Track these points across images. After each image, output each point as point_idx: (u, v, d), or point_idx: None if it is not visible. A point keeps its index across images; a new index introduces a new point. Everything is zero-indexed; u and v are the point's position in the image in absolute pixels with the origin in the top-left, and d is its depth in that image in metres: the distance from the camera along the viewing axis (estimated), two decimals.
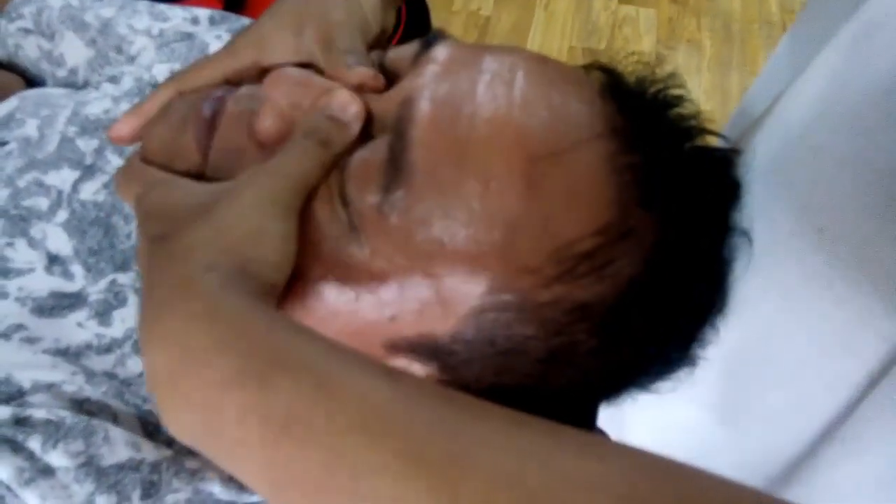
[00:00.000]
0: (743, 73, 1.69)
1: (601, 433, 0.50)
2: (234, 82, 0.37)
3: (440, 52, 0.33)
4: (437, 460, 0.20)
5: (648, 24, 1.77)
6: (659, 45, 1.72)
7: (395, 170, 0.30)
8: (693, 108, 0.35)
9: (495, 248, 0.30)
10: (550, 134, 0.31)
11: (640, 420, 0.38)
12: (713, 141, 0.36)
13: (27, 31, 0.56)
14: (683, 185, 0.32)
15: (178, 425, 0.25)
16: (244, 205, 0.29)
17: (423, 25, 1.53)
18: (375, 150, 0.31)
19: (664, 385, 0.36)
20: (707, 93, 1.63)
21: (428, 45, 0.34)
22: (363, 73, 0.34)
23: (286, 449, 0.22)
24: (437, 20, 1.58)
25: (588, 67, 0.36)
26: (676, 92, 0.34)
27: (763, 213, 0.36)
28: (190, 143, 0.34)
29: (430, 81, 0.32)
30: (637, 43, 1.71)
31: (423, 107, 0.31)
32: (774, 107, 0.40)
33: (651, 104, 0.34)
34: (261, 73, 0.37)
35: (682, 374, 0.36)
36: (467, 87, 0.31)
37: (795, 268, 0.35)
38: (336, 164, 0.32)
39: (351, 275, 0.31)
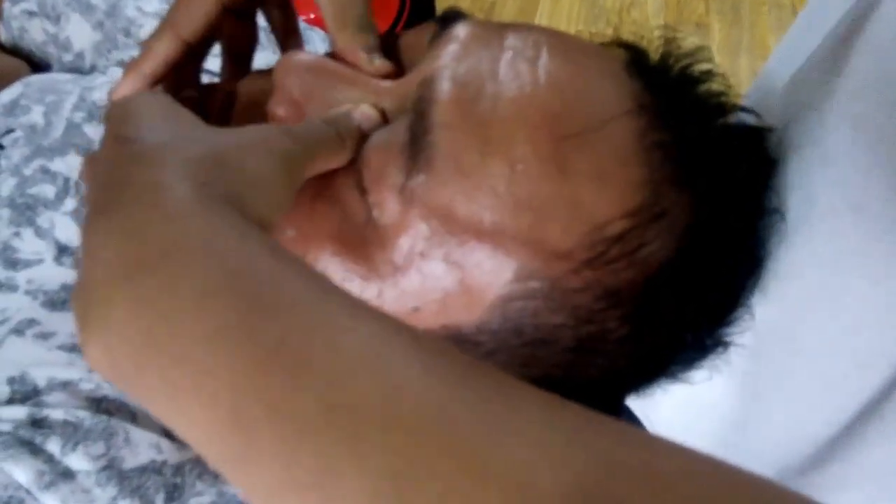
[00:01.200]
0: (752, 56, 1.67)
1: (629, 413, 0.49)
2: (232, 7, 0.33)
3: (460, 30, 0.32)
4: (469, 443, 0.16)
5: (656, 6, 1.74)
6: (667, 28, 1.70)
7: (415, 153, 0.29)
8: (723, 83, 0.33)
9: (522, 233, 0.29)
10: (577, 112, 0.29)
11: (667, 397, 0.37)
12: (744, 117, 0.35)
13: (32, 14, 0.54)
14: (716, 163, 0.31)
15: (106, 335, 0.19)
16: (246, 143, 0.25)
17: (428, 10, 1.51)
18: (394, 133, 0.30)
19: (696, 375, 0.34)
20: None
21: (446, 24, 0.33)
22: (381, 67, 0.32)
23: (269, 379, 0.17)
24: (441, 4, 1.56)
25: (610, 44, 0.34)
26: (704, 67, 0.33)
27: (798, 188, 0.35)
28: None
29: (450, 61, 0.30)
30: (645, 26, 1.69)
31: (444, 86, 0.29)
32: (805, 79, 0.39)
33: (678, 80, 0.32)
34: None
35: (713, 362, 0.34)
36: (489, 65, 0.30)
37: (831, 245, 0.34)
38: (343, 164, 0.30)
39: (372, 269, 0.30)
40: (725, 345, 0.34)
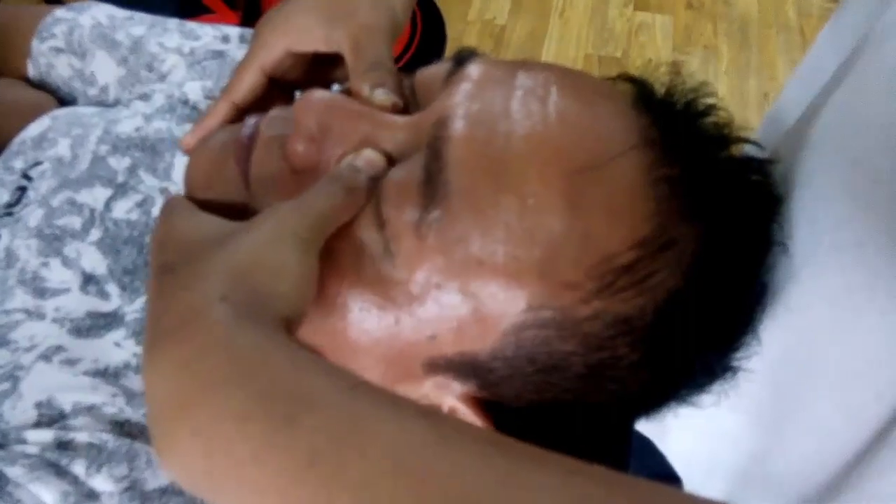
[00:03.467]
0: (761, 79, 1.68)
1: (642, 439, 0.50)
2: (272, 76, 0.38)
3: (473, 70, 0.33)
4: None
5: (665, 30, 1.76)
6: (675, 51, 1.71)
7: (431, 190, 0.30)
8: (726, 116, 0.34)
9: (534, 264, 0.30)
10: (586, 148, 0.31)
11: (684, 428, 0.38)
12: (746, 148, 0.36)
13: (59, 51, 0.56)
14: (722, 195, 0.32)
15: (178, 461, 0.23)
16: (263, 237, 0.28)
17: (439, 36, 1.54)
18: (411, 171, 0.31)
19: (705, 399, 0.35)
20: (724, 99, 1.62)
21: (460, 63, 0.34)
22: (384, 101, 0.34)
23: (308, 489, 0.20)
24: (452, 30, 1.58)
25: (616, 79, 0.35)
26: (708, 101, 0.34)
27: (805, 222, 0.35)
28: (233, 168, 0.34)
29: (463, 100, 0.32)
30: (653, 50, 1.71)
31: (458, 126, 0.31)
32: (812, 116, 0.40)
33: (684, 114, 0.34)
34: (293, 61, 0.38)
35: (722, 387, 0.35)
36: (501, 104, 0.31)
37: (838, 279, 0.35)
38: (359, 210, 0.31)
39: (389, 299, 0.31)
40: (733, 370, 0.35)
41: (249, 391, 0.22)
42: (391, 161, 0.32)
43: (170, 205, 0.33)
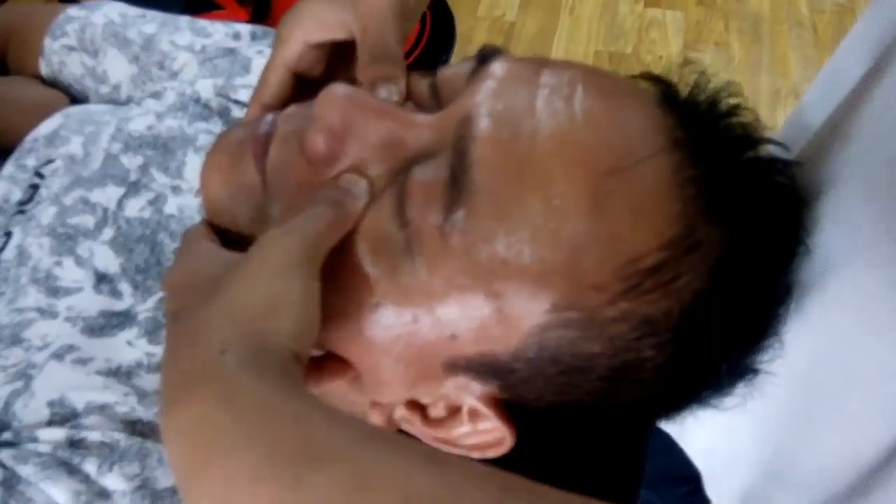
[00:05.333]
0: (773, 75, 1.66)
1: (660, 433, 0.50)
2: (297, 72, 0.38)
3: (497, 68, 0.33)
4: None
5: (676, 26, 1.75)
6: (686, 48, 1.70)
7: (456, 190, 0.30)
8: (751, 116, 0.34)
9: (560, 265, 0.29)
10: (613, 149, 0.30)
11: (704, 423, 0.38)
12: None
13: (71, 49, 0.56)
14: (748, 196, 0.32)
15: None
16: (255, 273, 0.28)
17: (448, 33, 1.53)
18: (436, 170, 0.31)
19: (727, 401, 0.35)
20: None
21: (483, 60, 0.33)
22: (388, 97, 0.34)
23: None
24: (461, 27, 1.58)
25: (640, 78, 0.35)
26: (733, 101, 0.34)
27: (840, 220, 0.35)
28: (249, 164, 0.34)
29: (488, 98, 0.31)
30: (664, 46, 1.70)
31: (483, 125, 0.30)
32: (842, 119, 0.39)
33: (709, 114, 0.33)
34: (314, 54, 0.38)
35: (745, 389, 0.35)
36: (526, 102, 0.31)
37: (875, 277, 0.34)
38: (350, 228, 0.31)
39: (408, 297, 0.30)
40: (757, 372, 0.34)
41: (257, 454, 0.23)
42: (414, 160, 0.32)
43: (186, 238, 0.33)
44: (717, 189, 0.31)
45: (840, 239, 0.35)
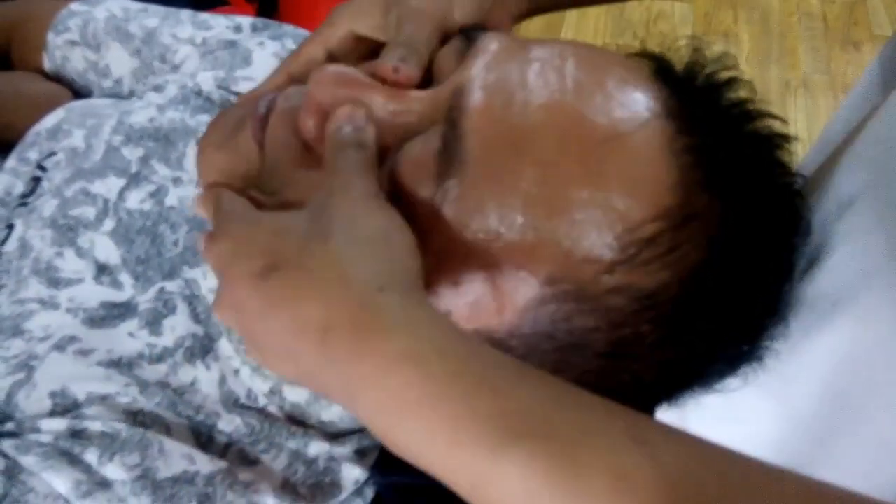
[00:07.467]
0: (782, 67, 1.65)
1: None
2: (333, 55, 0.38)
3: (489, 42, 0.33)
4: None
5: (684, 18, 1.74)
6: (694, 38, 1.69)
7: (448, 159, 0.30)
8: (748, 88, 0.34)
9: (553, 235, 0.29)
10: (606, 118, 0.30)
11: (723, 433, 0.37)
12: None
13: (74, 43, 0.56)
14: (746, 166, 0.31)
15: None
16: (350, 217, 0.27)
17: None
18: (428, 142, 0.31)
19: (730, 382, 0.34)
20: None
21: (472, 38, 0.33)
22: (404, 75, 0.33)
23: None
24: None
25: (635, 55, 0.35)
26: (729, 74, 0.33)
27: (873, 230, 0.34)
28: (248, 138, 0.34)
29: (480, 71, 0.31)
30: (672, 39, 1.68)
31: (476, 96, 0.30)
32: (870, 127, 0.39)
33: (705, 86, 0.33)
34: (356, 45, 0.38)
35: (748, 371, 0.34)
36: (518, 74, 0.31)
37: None
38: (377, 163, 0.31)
39: None
40: (759, 356, 0.34)
41: (455, 413, 0.23)
42: (406, 138, 0.32)
43: (221, 201, 0.31)
44: (715, 158, 0.31)
45: (873, 249, 0.34)
